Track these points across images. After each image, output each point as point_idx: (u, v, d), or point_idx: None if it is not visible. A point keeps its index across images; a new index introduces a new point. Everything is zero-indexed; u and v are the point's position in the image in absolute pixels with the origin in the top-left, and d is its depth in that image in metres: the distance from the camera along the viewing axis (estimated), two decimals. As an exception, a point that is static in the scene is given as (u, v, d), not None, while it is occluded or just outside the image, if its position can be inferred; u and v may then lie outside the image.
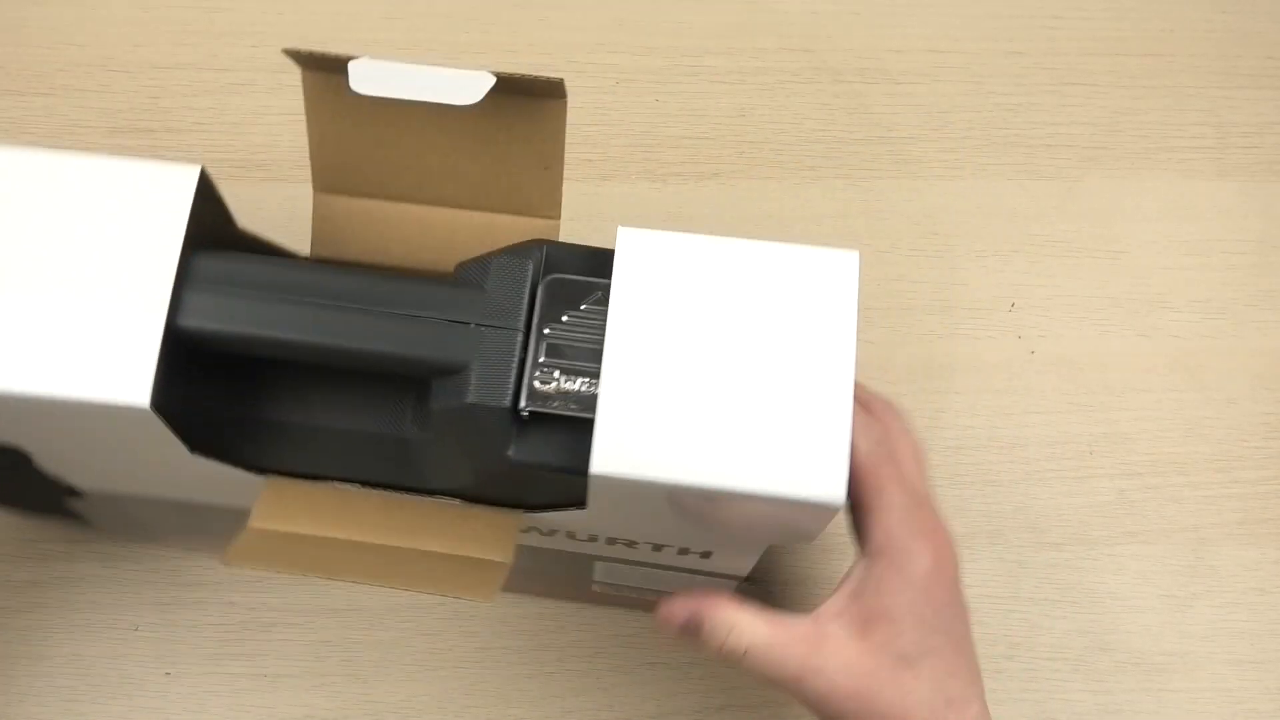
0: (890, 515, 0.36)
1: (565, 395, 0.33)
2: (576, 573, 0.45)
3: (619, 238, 0.35)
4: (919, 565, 0.36)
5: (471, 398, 0.33)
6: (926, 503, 0.37)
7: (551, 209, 0.39)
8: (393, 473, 0.38)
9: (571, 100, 0.63)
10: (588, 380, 0.34)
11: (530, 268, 0.35)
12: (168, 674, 0.49)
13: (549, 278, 0.35)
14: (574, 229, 0.55)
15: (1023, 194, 0.58)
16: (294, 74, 0.59)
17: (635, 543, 0.39)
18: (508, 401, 0.33)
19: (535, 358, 0.34)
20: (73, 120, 0.56)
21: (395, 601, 0.50)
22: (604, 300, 0.34)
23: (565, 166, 0.56)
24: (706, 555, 0.39)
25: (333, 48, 0.58)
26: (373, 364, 0.35)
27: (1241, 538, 0.53)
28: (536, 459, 0.34)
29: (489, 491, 0.38)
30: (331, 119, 0.37)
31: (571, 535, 0.39)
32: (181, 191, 0.35)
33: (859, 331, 0.55)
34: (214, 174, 0.36)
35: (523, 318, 0.34)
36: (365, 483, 0.38)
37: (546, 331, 0.34)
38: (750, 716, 0.50)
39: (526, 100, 0.36)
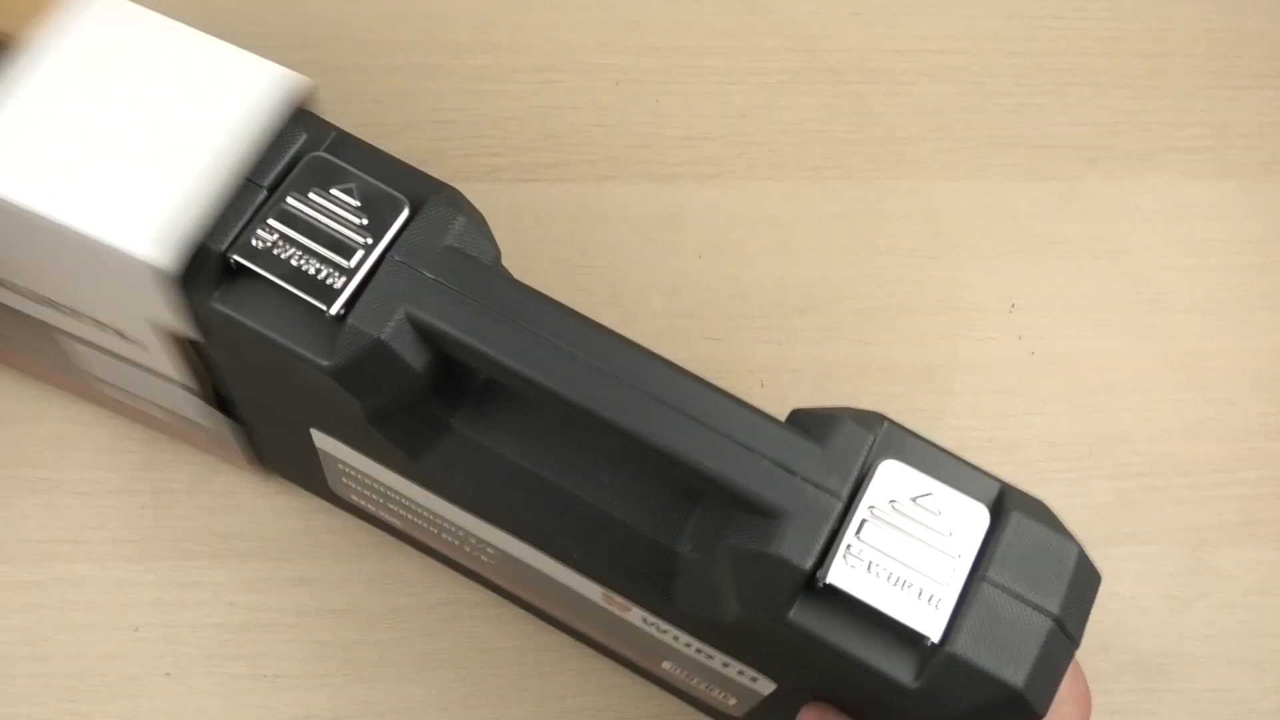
0: None
1: (864, 582, 0.32)
2: (49, 350, 0.45)
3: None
4: None
5: (775, 549, 0.32)
6: (1076, 666, 0.37)
7: None
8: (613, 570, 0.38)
9: (571, 100, 0.63)
10: (898, 580, 0.32)
11: (871, 441, 0.34)
12: (168, 674, 0.49)
13: (880, 462, 0.33)
14: (573, 229, 0.56)
15: (1023, 194, 0.58)
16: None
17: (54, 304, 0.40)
18: (809, 566, 0.32)
19: (849, 536, 0.32)
20: (73, 120, 0.56)
21: (395, 602, 0.50)
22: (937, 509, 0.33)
23: (565, 166, 0.56)
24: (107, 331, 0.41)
25: (333, 47, 0.58)
26: (676, 471, 0.33)
27: (1242, 538, 0.53)
28: (817, 631, 0.32)
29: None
30: None
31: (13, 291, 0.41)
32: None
33: (859, 333, 0.55)
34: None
35: (848, 490, 0.33)
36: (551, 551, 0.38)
37: (864, 516, 0.32)
38: (750, 717, 0.50)
39: None
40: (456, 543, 0.44)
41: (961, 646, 0.31)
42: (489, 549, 0.43)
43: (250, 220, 0.35)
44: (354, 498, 0.47)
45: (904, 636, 0.32)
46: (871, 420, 0.34)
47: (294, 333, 0.35)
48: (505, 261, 0.41)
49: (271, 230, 0.35)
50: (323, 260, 0.34)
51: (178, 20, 0.39)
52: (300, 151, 0.36)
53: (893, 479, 0.33)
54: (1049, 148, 0.59)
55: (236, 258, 0.35)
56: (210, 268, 0.35)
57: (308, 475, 0.47)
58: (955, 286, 0.56)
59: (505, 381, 0.34)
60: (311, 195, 0.35)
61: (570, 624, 0.47)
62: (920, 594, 0.32)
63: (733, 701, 0.43)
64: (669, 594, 0.37)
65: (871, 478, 0.33)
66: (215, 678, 0.49)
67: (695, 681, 0.43)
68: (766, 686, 0.40)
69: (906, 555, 0.32)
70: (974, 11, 0.61)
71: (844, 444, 0.33)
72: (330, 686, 0.49)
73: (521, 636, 0.50)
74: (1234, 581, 0.53)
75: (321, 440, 0.42)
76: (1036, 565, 0.32)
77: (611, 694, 0.49)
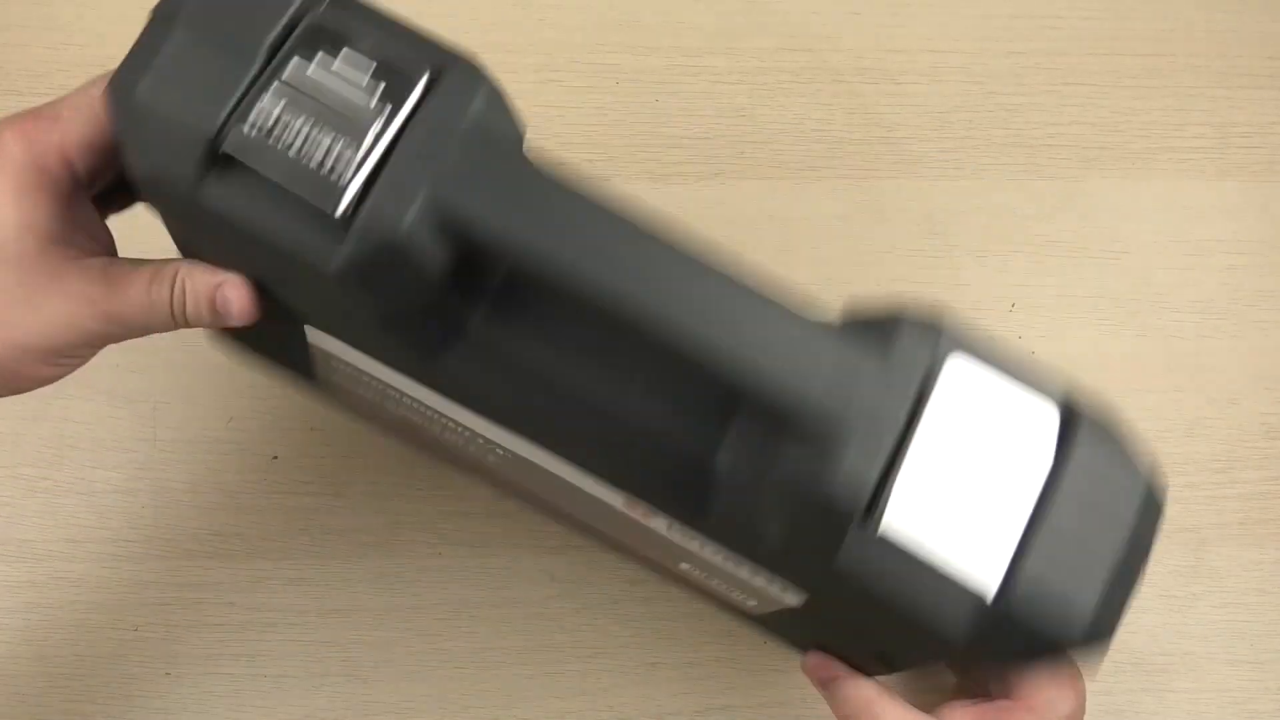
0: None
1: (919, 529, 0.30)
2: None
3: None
4: (1059, 711, 0.37)
5: (827, 487, 0.29)
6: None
7: None
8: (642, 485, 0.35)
9: (571, 100, 0.63)
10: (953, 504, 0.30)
11: (931, 347, 0.31)
12: (168, 674, 0.49)
13: (953, 364, 0.31)
14: (574, 229, 0.56)
15: (1023, 194, 0.58)
16: (294, 74, 0.59)
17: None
18: (862, 505, 0.29)
19: (904, 473, 0.30)
20: (73, 120, 0.56)
21: (395, 601, 0.50)
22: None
23: (566, 166, 0.55)
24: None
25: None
26: (719, 378, 0.30)
27: (1242, 538, 0.53)
28: (866, 580, 0.30)
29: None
30: None
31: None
32: None
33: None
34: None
35: (906, 413, 0.30)
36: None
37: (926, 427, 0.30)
38: (750, 717, 0.50)
39: None
40: (462, 441, 0.40)
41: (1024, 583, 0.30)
42: (498, 449, 0.39)
43: (244, 95, 0.30)
44: (345, 386, 0.41)
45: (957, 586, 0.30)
46: (933, 326, 0.32)
47: (294, 232, 0.30)
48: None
49: (266, 112, 0.30)
50: (327, 149, 0.30)
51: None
52: (300, 11, 0.31)
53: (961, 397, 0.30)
54: (1049, 148, 0.59)
55: (227, 151, 0.30)
56: (197, 154, 0.30)
57: (287, 356, 0.41)
58: (955, 286, 0.56)
59: (539, 274, 0.30)
60: (315, 62, 0.30)
61: (581, 521, 0.43)
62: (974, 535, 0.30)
63: (752, 603, 0.40)
64: (703, 510, 0.34)
65: (931, 393, 0.30)
66: (215, 678, 0.49)
67: (714, 583, 0.41)
68: (796, 598, 0.37)
69: (959, 490, 0.30)
70: (974, 11, 0.61)
71: (907, 357, 0.30)
72: (330, 686, 0.49)
73: (521, 636, 0.50)
74: (1234, 581, 0.52)
75: (318, 337, 0.37)
76: (1100, 502, 0.30)
77: (611, 693, 0.49)
